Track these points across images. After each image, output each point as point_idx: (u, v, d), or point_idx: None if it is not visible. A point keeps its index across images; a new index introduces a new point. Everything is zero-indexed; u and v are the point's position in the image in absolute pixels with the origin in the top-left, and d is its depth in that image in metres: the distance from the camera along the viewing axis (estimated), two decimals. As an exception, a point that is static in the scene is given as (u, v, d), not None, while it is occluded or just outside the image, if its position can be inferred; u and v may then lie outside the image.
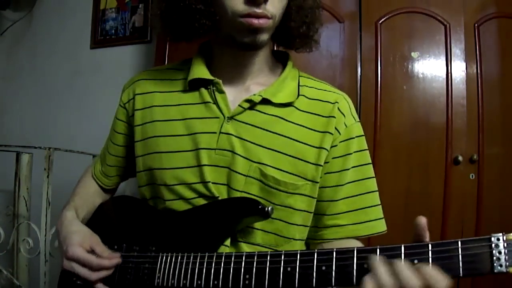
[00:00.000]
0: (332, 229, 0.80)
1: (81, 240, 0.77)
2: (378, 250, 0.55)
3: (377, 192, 0.82)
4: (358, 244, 0.79)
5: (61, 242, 0.80)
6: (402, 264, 0.53)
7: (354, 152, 0.81)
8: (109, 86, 2.27)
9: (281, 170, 0.76)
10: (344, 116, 0.81)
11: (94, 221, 0.89)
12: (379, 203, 0.81)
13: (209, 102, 0.80)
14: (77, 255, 0.74)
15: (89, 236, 0.79)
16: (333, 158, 0.79)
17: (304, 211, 0.79)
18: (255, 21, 0.71)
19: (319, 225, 0.81)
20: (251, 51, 0.79)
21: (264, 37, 0.74)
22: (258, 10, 0.70)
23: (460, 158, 1.72)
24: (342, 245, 0.77)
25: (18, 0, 2.53)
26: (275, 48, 0.92)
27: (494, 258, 0.49)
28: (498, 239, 0.50)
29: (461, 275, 0.50)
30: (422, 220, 0.55)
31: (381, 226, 0.80)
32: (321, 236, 0.81)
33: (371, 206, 0.80)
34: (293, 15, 0.79)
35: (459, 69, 1.78)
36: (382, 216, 0.81)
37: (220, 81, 0.80)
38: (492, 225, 1.68)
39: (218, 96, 0.80)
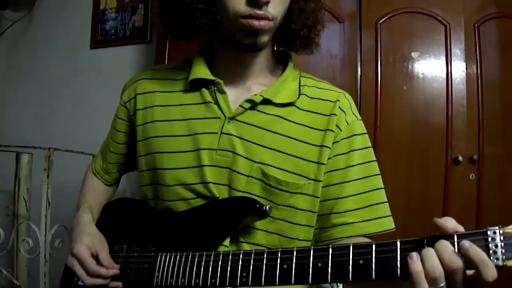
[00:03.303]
0: (340, 228, 0.78)
1: (90, 243, 0.78)
2: (374, 245, 0.55)
3: (384, 189, 0.81)
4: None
5: (72, 240, 0.81)
6: (445, 244, 0.51)
7: (359, 149, 0.80)
8: (109, 86, 2.27)
9: (282, 170, 0.76)
10: (345, 113, 0.81)
11: (96, 223, 0.89)
12: (386, 200, 0.80)
13: (210, 102, 0.80)
14: (80, 255, 0.75)
15: (99, 241, 0.80)
16: (336, 155, 0.79)
17: (308, 210, 0.78)
18: (256, 22, 0.71)
19: (326, 225, 0.80)
20: (251, 52, 0.79)
21: (265, 38, 0.74)
22: (259, 12, 0.70)
23: (460, 158, 1.72)
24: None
25: (18, 0, 2.53)
26: (275, 49, 0.92)
27: (491, 251, 0.49)
28: (495, 232, 0.49)
29: None
30: (439, 222, 0.53)
31: (390, 224, 0.79)
32: (329, 236, 0.79)
33: (379, 203, 0.79)
34: (294, 17, 0.79)
35: (459, 69, 1.78)
36: (390, 213, 0.79)
37: (222, 81, 0.80)
38: (492, 225, 1.68)
39: (219, 96, 0.80)
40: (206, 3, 0.75)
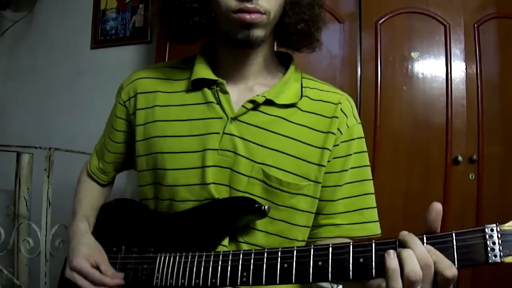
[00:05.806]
0: (326, 228, 0.80)
1: (88, 254, 0.77)
2: (373, 244, 0.56)
3: (374, 195, 0.82)
4: None
5: (69, 251, 0.81)
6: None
7: (354, 153, 0.81)
8: (109, 86, 2.25)
9: (284, 170, 0.76)
10: (347, 116, 0.81)
11: (94, 224, 0.89)
12: (375, 205, 0.82)
13: (213, 102, 0.80)
14: (81, 267, 0.75)
15: (98, 252, 0.79)
16: (334, 158, 0.79)
17: (307, 211, 0.79)
18: (247, 16, 0.71)
19: (314, 224, 0.82)
20: (247, 48, 0.79)
21: (259, 33, 0.74)
22: (250, 5, 0.71)
23: (460, 158, 1.73)
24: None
25: (18, 0, 2.53)
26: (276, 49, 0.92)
27: (489, 248, 0.50)
28: (492, 230, 0.50)
29: (456, 266, 0.51)
30: (438, 206, 0.54)
31: (376, 229, 0.81)
32: (315, 235, 0.81)
33: (368, 208, 0.81)
34: (289, 11, 0.80)
35: (459, 69, 1.78)
36: (377, 219, 0.82)
37: (224, 81, 0.80)
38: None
39: (222, 96, 0.80)
40: (200, 2, 0.76)
